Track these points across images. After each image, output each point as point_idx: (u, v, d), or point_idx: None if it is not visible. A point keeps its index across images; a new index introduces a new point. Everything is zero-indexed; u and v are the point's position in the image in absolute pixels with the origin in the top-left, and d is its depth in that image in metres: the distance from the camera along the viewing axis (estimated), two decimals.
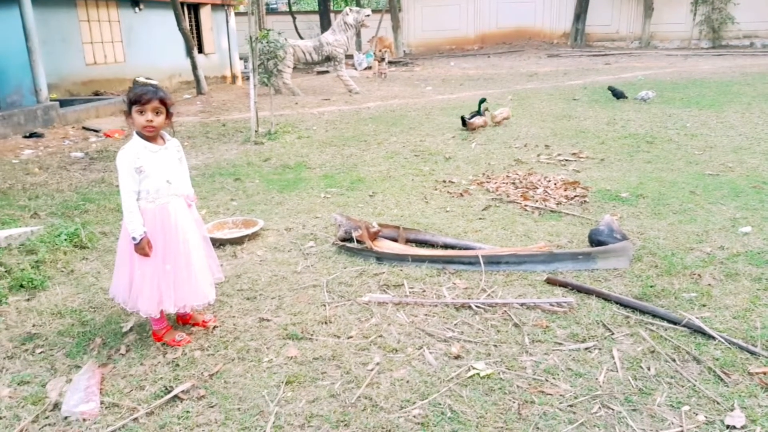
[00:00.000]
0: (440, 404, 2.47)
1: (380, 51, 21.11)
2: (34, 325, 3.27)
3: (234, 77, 18.64)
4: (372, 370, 2.74)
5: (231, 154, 7.78)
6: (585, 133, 8.19)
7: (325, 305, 3.41)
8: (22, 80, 11.22)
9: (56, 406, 2.54)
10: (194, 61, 14.64)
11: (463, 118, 8.74)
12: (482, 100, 8.99)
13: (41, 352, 3.00)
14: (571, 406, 2.43)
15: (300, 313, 3.33)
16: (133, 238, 2.78)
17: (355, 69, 19.72)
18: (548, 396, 2.50)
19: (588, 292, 3.39)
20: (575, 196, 5.28)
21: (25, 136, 9.10)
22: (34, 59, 10.13)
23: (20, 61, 10.97)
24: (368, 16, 14.88)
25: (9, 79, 11.56)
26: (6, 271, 3.86)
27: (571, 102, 11.11)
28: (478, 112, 8.83)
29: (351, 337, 3.05)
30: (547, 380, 2.61)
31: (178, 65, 16.02)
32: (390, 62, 20.46)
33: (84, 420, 2.44)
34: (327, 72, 18.71)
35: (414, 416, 2.40)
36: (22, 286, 3.70)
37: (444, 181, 6.02)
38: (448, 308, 3.32)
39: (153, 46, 15.49)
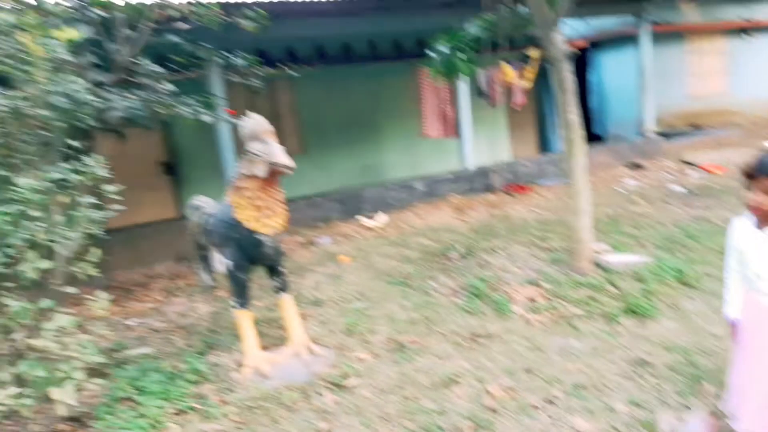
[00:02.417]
0: None
1: None
2: (644, 352, 3.51)
3: None
4: None
5: None
6: None
7: None
8: (627, 114, 12.30)
9: None
10: None
11: None
12: None
13: (652, 381, 3.18)
14: None
15: None
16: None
17: None
18: None
19: None
20: None
21: (627, 167, 9.92)
22: (644, 95, 10.89)
23: (629, 96, 12.05)
24: None
25: (616, 113, 12.89)
26: (619, 294, 4.29)
27: None
28: None
29: None
30: None
31: None
32: None
33: None
34: None
35: None
36: (633, 311, 4.03)
37: None
38: None
39: (758, 75, 14.25)
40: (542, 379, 3.32)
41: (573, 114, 4.79)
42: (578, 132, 4.77)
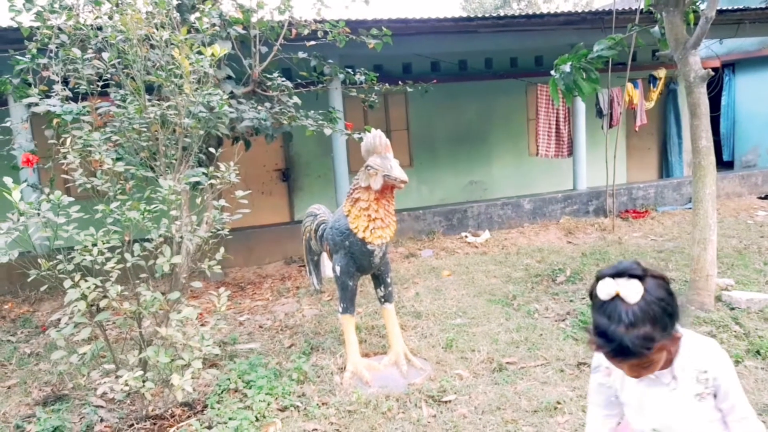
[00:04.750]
0: None
1: None
2: None
3: None
4: None
5: None
6: None
7: None
8: (762, 140, 11.33)
9: None
10: None
11: None
12: None
13: None
14: None
15: None
16: None
17: None
18: None
19: None
20: None
21: (760, 197, 9.14)
22: None
23: (764, 121, 11.10)
24: None
25: (747, 140, 11.91)
26: (744, 334, 3.97)
27: None
28: None
29: None
30: None
31: None
32: None
33: None
34: None
35: None
36: (758, 353, 3.72)
37: None
38: None
39: None
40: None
41: (705, 139, 4.51)
42: (709, 158, 4.48)
